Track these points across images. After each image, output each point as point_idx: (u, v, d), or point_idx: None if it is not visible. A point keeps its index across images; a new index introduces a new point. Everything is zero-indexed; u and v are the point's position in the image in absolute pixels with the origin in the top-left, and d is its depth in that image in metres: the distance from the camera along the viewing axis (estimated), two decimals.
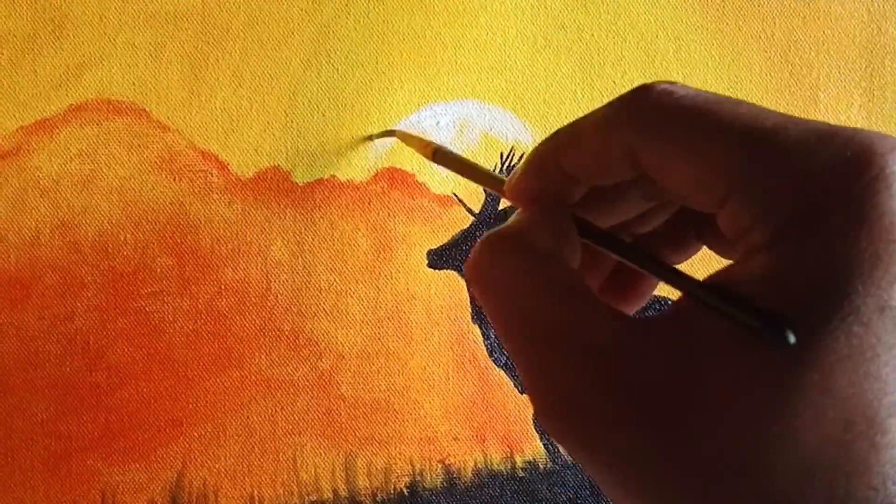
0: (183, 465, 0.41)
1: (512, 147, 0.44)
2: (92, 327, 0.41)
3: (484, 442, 0.43)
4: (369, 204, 0.43)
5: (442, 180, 0.44)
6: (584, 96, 0.45)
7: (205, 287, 0.42)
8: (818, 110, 0.45)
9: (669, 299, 0.45)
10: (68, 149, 0.42)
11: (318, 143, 0.43)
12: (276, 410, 0.42)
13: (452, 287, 0.44)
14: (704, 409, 0.15)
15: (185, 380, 0.42)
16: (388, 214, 0.43)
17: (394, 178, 0.43)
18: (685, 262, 0.24)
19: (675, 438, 0.15)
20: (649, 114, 0.18)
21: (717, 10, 0.46)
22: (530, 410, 0.44)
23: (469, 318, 0.44)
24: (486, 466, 0.43)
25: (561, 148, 0.21)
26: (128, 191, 0.42)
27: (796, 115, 0.17)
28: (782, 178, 0.16)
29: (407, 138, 0.39)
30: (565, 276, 0.19)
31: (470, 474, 0.43)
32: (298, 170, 0.43)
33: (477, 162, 0.32)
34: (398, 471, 0.42)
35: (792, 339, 0.14)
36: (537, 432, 0.44)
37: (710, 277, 0.17)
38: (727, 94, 0.19)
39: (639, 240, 0.24)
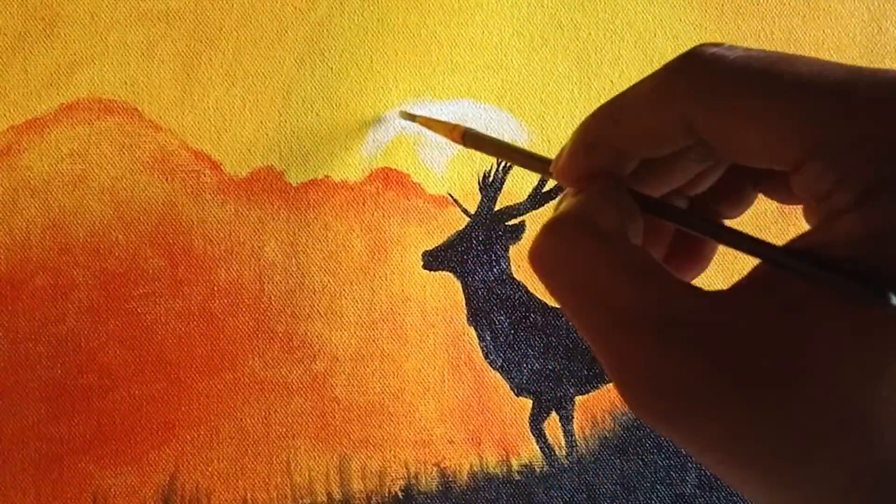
0: (175, 468, 0.41)
1: None
2: (83, 329, 0.41)
3: (479, 445, 0.43)
4: (364, 204, 0.43)
5: (437, 181, 0.43)
6: (581, 96, 0.44)
7: (197, 288, 0.42)
8: None
9: None
10: (59, 148, 0.41)
11: (312, 142, 0.43)
12: (269, 413, 0.42)
13: (448, 289, 0.43)
14: (808, 375, 0.15)
15: (177, 382, 0.41)
16: (383, 215, 0.43)
17: (389, 178, 0.43)
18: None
19: (783, 410, 0.15)
20: (705, 80, 0.17)
21: (716, 8, 0.45)
22: (526, 413, 0.43)
23: (465, 319, 0.43)
24: (482, 469, 0.43)
25: (610, 123, 0.20)
26: (119, 191, 0.42)
27: None
28: (862, 136, 0.15)
29: (430, 123, 0.38)
30: (637, 254, 0.18)
31: (465, 477, 0.42)
32: (292, 170, 0.42)
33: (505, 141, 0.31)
34: (393, 474, 0.42)
35: (894, 299, 0.14)
36: (533, 435, 0.43)
37: (791, 244, 0.16)
38: None
39: (693, 199, 0.24)
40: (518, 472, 0.43)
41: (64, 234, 0.41)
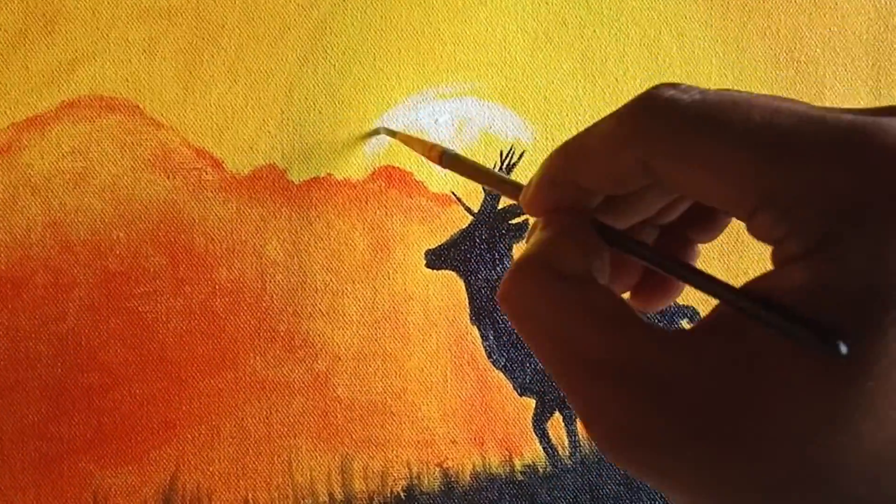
0: (176, 467, 0.41)
1: (512, 145, 0.43)
2: (84, 327, 0.41)
3: (482, 445, 0.42)
4: (366, 203, 0.43)
5: (440, 179, 0.43)
6: (585, 94, 0.44)
7: (199, 287, 0.41)
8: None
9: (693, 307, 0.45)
10: (60, 146, 0.41)
11: (315, 140, 0.42)
12: (271, 412, 0.41)
13: (450, 287, 0.43)
14: (765, 427, 0.15)
15: (178, 381, 0.41)
16: (386, 213, 0.43)
17: (391, 176, 0.43)
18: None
19: (740, 458, 0.15)
20: (657, 127, 0.18)
21: (722, 5, 0.45)
22: (529, 413, 0.43)
23: (468, 319, 0.43)
24: (485, 470, 0.42)
25: (570, 163, 0.20)
26: (121, 189, 0.41)
27: None
28: (808, 187, 0.15)
29: (409, 141, 0.38)
30: (600, 297, 0.18)
31: (468, 478, 0.42)
32: (294, 168, 0.42)
33: (484, 164, 0.31)
34: (395, 474, 0.42)
35: (844, 349, 0.14)
36: (536, 435, 0.43)
37: (747, 285, 0.17)
38: None
39: (665, 227, 0.24)
40: (521, 472, 0.43)
41: (65, 232, 0.41)
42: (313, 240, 0.42)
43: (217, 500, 0.41)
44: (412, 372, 0.42)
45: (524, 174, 0.44)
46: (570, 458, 0.43)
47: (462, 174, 0.32)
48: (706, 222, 0.23)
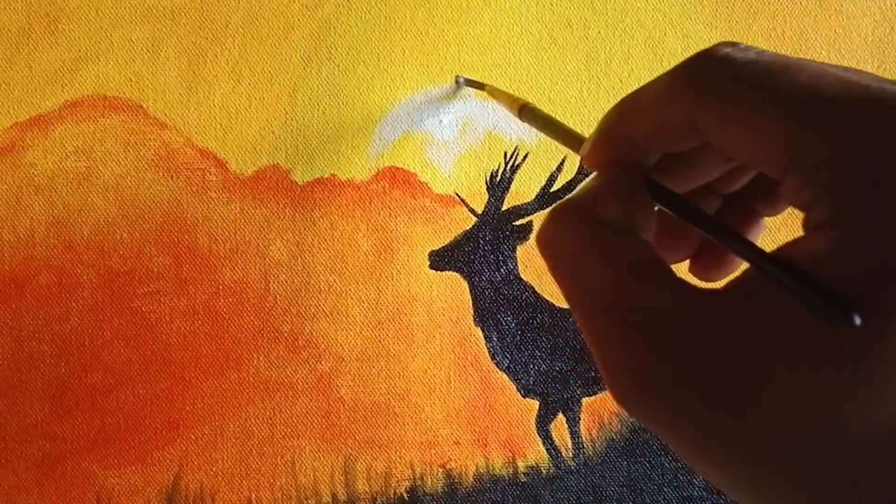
0: (179, 468, 0.41)
1: (516, 146, 0.43)
2: (87, 328, 0.41)
3: (486, 446, 0.42)
4: (370, 204, 0.42)
5: (444, 180, 0.43)
6: (589, 95, 0.44)
7: (202, 287, 0.41)
8: None
9: None
10: (64, 146, 0.41)
11: (319, 141, 0.42)
12: (274, 413, 0.41)
13: (454, 289, 0.43)
14: (768, 386, 0.15)
15: (181, 381, 0.41)
16: (390, 214, 0.43)
17: (395, 177, 0.43)
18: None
19: (740, 416, 0.15)
20: (707, 83, 0.18)
21: (727, 7, 0.45)
22: (533, 414, 0.43)
23: (471, 320, 0.43)
24: (488, 471, 0.42)
25: (624, 118, 0.20)
26: (124, 189, 0.41)
27: None
28: (839, 152, 0.15)
29: (496, 93, 0.38)
30: (633, 247, 0.18)
31: (471, 479, 0.42)
32: (298, 168, 0.42)
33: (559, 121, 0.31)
34: (398, 475, 0.42)
35: (857, 320, 0.14)
36: (540, 437, 0.43)
37: (779, 249, 0.17)
38: None
39: (729, 197, 0.24)
40: (524, 473, 0.43)
41: (68, 231, 0.41)
42: (317, 240, 0.42)
43: (220, 501, 0.41)
44: (416, 373, 0.42)
45: (528, 175, 0.43)
46: (573, 459, 0.43)
47: (536, 128, 0.33)
48: (771, 194, 0.23)
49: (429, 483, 0.42)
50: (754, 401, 0.15)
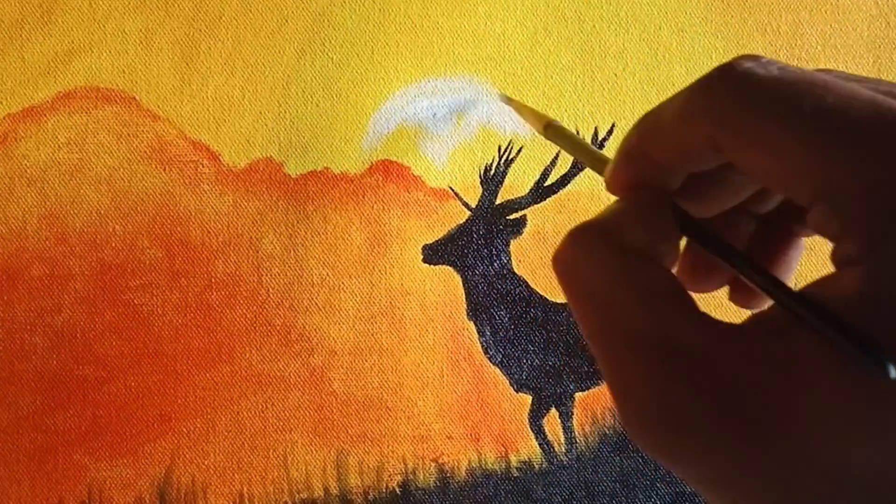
0: (171, 461, 0.41)
1: (510, 140, 0.43)
2: (79, 320, 0.41)
3: (478, 441, 0.42)
4: (363, 197, 0.42)
5: (438, 174, 0.43)
6: (584, 89, 0.44)
7: (195, 280, 0.41)
8: None
9: None
10: (56, 137, 0.41)
11: (312, 133, 0.42)
12: (266, 406, 0.41)
13: (447, 283, 0.43)
14: (802, 428, 0.14)
15: (174, 374, 0.41)
16: (383, 208, 0.42)
17: (389, 170, 0.43)
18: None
19: (765, 455, 0.15)
20: (726, 101, 0.17)
21: (722, 1, 0.44)
22: (525, 409, 0.43)
23: (464, 314, 0.43)
24: (480, 466, 0.42)
25: (644, 138, 0.20)
26: (117, 181, 0.41)
27: None
28: (868, 182, 0.14)
29: (522, 109, 0.38)
30: (655, 276, 0.18)
31: (464, 474, 0.42)
32: (291, 161, 0.42)
33: (583, 140, 0.31)
34: (390, 469, 0.42)
35: (893, 372, 0.13)
36: (532, 431, 0.43)
37: (809, 287, 0.16)
38: None
39: (763, 218, 0.23)
40: (517, 468, 0.42)
41: (60, 223, 0.41)
42: (310, 234, 0.42)
43: (212, 494, 0.41)
44: (408, 367, 0.42)
45: (522, 169, 0.43)
46: (566, 454, 0.43)
47: (560, 146, 0.33)
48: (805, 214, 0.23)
49: (421, 477, 0.42)
50: (786, 443, 0.14)
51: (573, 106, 0.44)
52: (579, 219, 0.19)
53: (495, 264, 0.43)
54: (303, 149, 0.42)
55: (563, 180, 0.43)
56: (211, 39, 0.42)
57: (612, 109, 0.43)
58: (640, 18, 0.44)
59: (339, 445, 0.42)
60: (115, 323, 0.41)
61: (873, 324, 0.14)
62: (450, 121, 0.43)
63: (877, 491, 0.14)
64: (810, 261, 0.43)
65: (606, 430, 0.43)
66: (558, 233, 0.43)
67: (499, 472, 0.42)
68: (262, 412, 0.41)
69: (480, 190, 0.43)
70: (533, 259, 0.43)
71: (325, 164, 0.42)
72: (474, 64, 0.43)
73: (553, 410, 0.43)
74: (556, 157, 0.43)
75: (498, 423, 0.43)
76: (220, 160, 0.42)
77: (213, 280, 0.41)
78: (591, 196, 0.43)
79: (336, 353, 0.42)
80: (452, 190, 0.43)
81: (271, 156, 0.42)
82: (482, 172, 0.43)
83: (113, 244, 0.41)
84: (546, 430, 0.43)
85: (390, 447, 0.42)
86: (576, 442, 0.43)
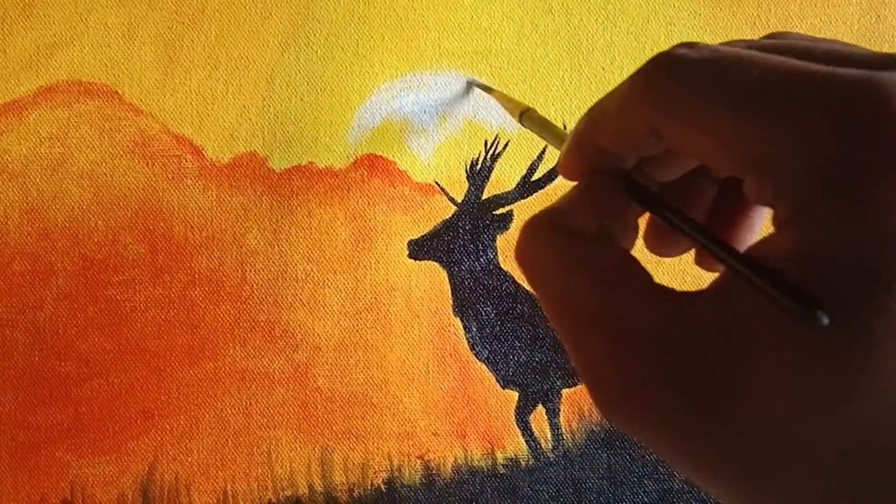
0: (154, 458, 0.40)
1: (496, 135, 0.43)
2: (61, 316, 0.40)
3: (464, 438, 0.42)
4: (348, 192, 0.42)
5: (424, 168, 0.43)
6: (571, 83, 0.43)
7: (178, 276, 0.41)
8: None
9: None
10: (38, 131, 0.40)
11: (296, 128, 0.42)
12: (250, 403, 0.41)
13: (433, 278, 0.42)
14: (750, 391, 0.15)
15: (156, 371, 0.40)
16: (368, 203, 0.42)
17: (374, 165, 0.42)
18: None
19: (718, 425, 0.15)
20: (661, 86, 0.17)
21: None
22: (512, 406, 0.43)
23: (450, 310, 0.42)
24: (467, 463, 0.42)
25: (591, 126, 0.20)
26: (99, 176, 0.41)
27: None
28: (791, 148, 0.15)
29: (502, 98, 0.38)
30: (607, 257, 0.18)
31: (449, 470, 0.42)
32: (275, 156, 0.41)
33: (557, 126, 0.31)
34: (375, 466, 0.41)
35: (824, 319, 0.14)
36: (519, 428, 0.42)
37: (748, 250, 0.17)
38: None
39: (726, 182, 0.23)
40: (503, 465, 0.42)
41: (42, 218, 0.40)
42: (294, 229, 0.42)
43: (196, 491, 0.40)
44: (394, 363, 0.42)
45: (509, 164, 0.43)
46: (552, 451, 0.42)
47: (536, 133, 0.33)
48: None
49: (406, 474, 0.42)
50: (736, 408, 0.15)
51: (560, 100, 0.43)
52: None
53: (482, 260, 0.43)
54: (287, 143, 0.42)
55: (550, 175, 0.43)
56: (194, 33, 0.41)
57: None
58: (627, 12, 0.44)
59: (324, 442, 0.41)
60: (98, 319, 0.40)
61: (804, 280, 0.14)
62: (436, 115, 0.43)
63: (830, 447, 0.14)
64: None
65: (594, 426, 0.43)
66: None
67: (485, 470, 0.42)
68: (246, 409, 0.41)
69: (467, 185, 0.43)
70: None
71: (310, 159, 0.42)
72: (460, 58, 0.43)
73: (540, 407, 0.43)
74: (543, 152, 0.43)
75: (484, 419, 0.42)
76: (203, 155, 0.41)
77: (196, 276, 0.41)
78: None
79: (321, 349, 0.42)
80: (438, 185, 0.43)
81: (255, 150, 0.41)
82: (468, 167, 0.43)
83: (95, 239, 0.41)
84: (533, 427, 0.43)
85: (375, 444, 0.42)
86: (563, 439, 0.43)
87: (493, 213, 0.43)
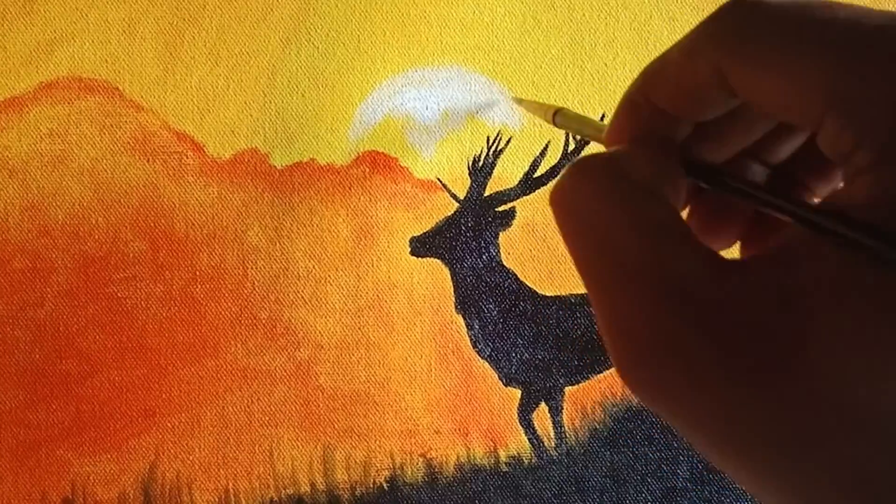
0: (156, 456, 0.40)
1: (499, 131, 0.43)
2: (62, 313, 0.40)
3: (467, 435, 0.42)
4: (350, 189, 0.42)
5: (426, 165, 0.42)
6: (574, 78, 0.43)
7: (179, 273, 0.41)
8: None
9: None
10: (38, 128, 0.40)
11: (298, 124, 0.41)
12: (252, 401, 0.41)
13: (435, 276, 0.42)
14: (814, 366, 0.13)
15: (158, 369, 0.40)
16: (370, 200, 0.42)
17: (376, 162, 0.42)
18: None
19: (784, 399, 0.14)
20: (736, 28, 0.17)
21: None
22: (514, 403, 0.42)
23: (453, 307, 0.42)
24: (469, 461, 0.42)
25: (648, 80, 0.19)
26: (100, 172, 0.41)
27: None
28: (879, 90, 0.14)
29: (529, 105, 0.38)
30: (660, 211, 0.17)
31: (452, 468, 0.42)
32: (277, 152, 0.41)
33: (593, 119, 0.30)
34: (378, 464, 0.41)
35: None
36: (522, 426, 0.42)
37: (819, 204, 0.16)
38: None
39: (776, 169, 0.22)
40: (506, 463, 0.42)
41: (43, 215, 0.40)
42: (296, 226, 0.41)
43: (197, 490, 0.40)
44: (396, 361, 0.42)
45: (511, 160, 0.43)
46: (555, 449, 0.42)
47: (572, 131, 0.32)
48: (821, 166, 0.21)
49: (409, 472, 0.41)
50: (793, 374, 0.14)
51: (563, 96, 0.43)
52: None
53: (484, 257, 0.42)
54: (288, 140, 0.41)
55: (553, 171, 0.43)
56: (195, 29, 0.41)
57: (602, 99, 0.42)
58: (630, 7, 0.43)
59: (326, 440, 0.41)
60: (99, 316, 0.40)
61: (888, 223, 0.14)
62: (438, 111, 0.42)
63: (892, 426, 0.13)
64: None
65: (596, 424, 0.43)
66: (548, 225, 0.42)
67: (488, 467, 0.42)
68: (248, 407, 0.41)
69: (469, 181, 0.43)
70: (522, 251, 0.43)
71: (311, 156, 0.42)
72: (462, 53, 0.42)
73: (543, 405, 0.43)
74: (546, 148, 0.43)
75: (487, 417, 0.42)
76: (204, 151, 0.41)
77: (197, 273, 0.41)
78: None
79: (322, 346, 0.41)
80: (440, 181, 0.42)
81: (256, 147, 0.41)
82: (470, 164, 0.42)
83: (96, 236, 0.40)
84: (535, 425, 0.42)
85: (378, 442, 0.41)
86: (565, 437, 0.43)
87: (496, 209, 0.43)
